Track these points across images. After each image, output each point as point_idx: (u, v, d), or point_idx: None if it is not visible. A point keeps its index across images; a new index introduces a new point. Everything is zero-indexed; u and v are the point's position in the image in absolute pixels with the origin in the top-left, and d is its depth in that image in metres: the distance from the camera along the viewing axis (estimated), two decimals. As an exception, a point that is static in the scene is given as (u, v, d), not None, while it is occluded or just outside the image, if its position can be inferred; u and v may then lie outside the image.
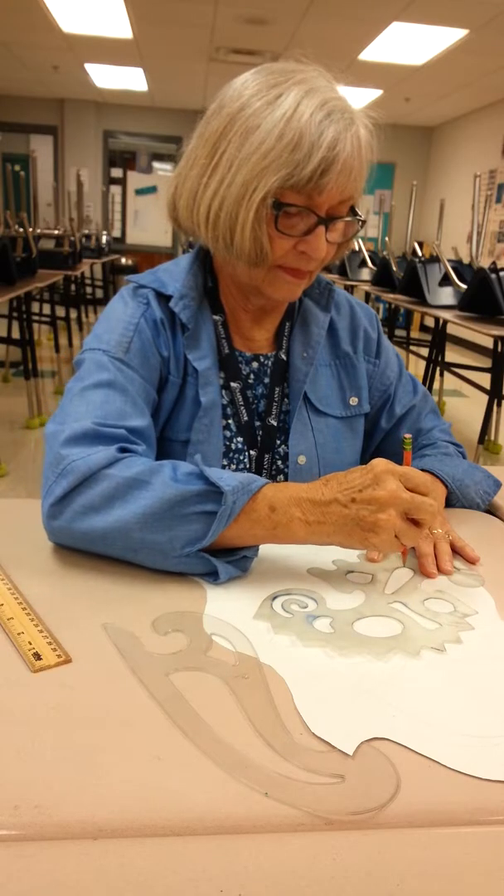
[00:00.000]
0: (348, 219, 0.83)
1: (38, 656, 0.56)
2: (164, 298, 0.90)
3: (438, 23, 5.45)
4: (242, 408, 0.93)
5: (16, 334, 4.70)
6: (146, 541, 0.69)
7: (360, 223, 0.86)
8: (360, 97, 8.14)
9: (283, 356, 0.96)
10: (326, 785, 0.45)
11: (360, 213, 0.85)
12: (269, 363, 0.96)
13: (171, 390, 0.90)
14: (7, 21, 6.19)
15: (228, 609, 0.65)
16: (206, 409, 0.90)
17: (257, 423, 0.95)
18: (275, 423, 0.95)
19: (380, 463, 0.70)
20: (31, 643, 0.57)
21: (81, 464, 0.71)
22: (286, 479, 0.94)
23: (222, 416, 0.92)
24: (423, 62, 6.53)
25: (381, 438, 1.04)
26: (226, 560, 0.71)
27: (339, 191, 0.79)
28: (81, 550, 0.74)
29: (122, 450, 0.75)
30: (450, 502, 0.92)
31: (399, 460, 1.00)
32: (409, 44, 6.01)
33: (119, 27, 6.12)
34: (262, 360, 0.96)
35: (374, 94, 7.96)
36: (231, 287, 0.94)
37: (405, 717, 0.52)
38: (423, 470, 0.89)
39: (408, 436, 0.77)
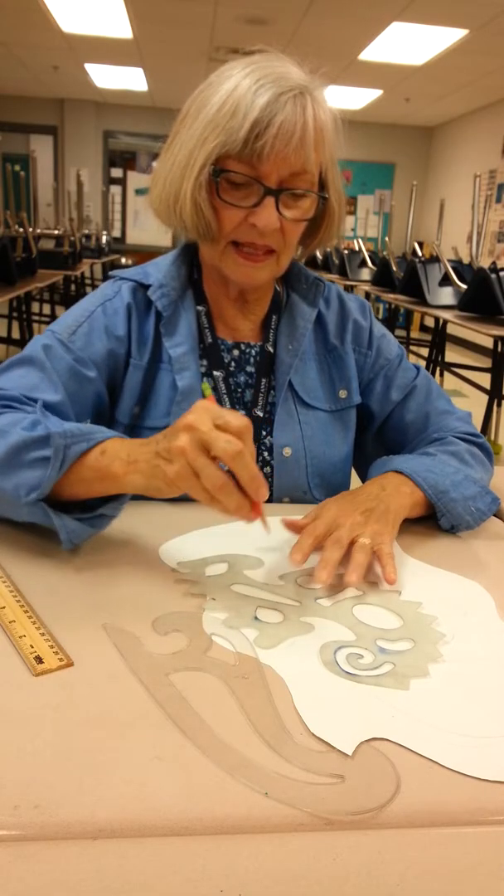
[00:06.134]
0: (300, 191, 0.82)
1: (39, 660, 0.56)
2: (144, 288, 0.93)
3: (438, 23, 5.45)
4: (225, 396, 0.94)
5: (16, 334, 4.70)
6: None
7: (322, 199, 0.86)
8: (360, 97, 8.14)
9: (270, 348, 0.97)
10: (326, 785, 0.45)
11: (327, 190, 0.85)
12: (253, 352, 0.97)
13: (135, 373, 0.92)
14: (7, 21, 6.19)
15: (227, 608, 0.65)
16: (185, 394, 0.91)
17: (242, 413, 0.94)
18: (261, 415, 0.95)
19: (199, 401, 0.65)
20: (32, 646, 0.57)
21: None
22: (272, 471, 0.95)
23: None
24: (423, 62, 6.53)
25: (379, 425, 1.02)
26: (80, 517, 0.71)
27: (283, 158, 0.78)
28: (82, 552, 0.74)
29: (5, 406, 0.78)
30: (434, 516, 0.85)
31: (398, 450, 1.00)
32: (409, 44, 6.02)
33: (119, 27, 6.12)
34: (243, 347, 0.97)
35: (374, 94, 7.96)
36: (213, 274, 0.95)
37: (405, 717, 0.52)
38: (397, 472, 0.84)
39: (205, 384, 0.72)
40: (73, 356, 0.87)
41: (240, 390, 0.96)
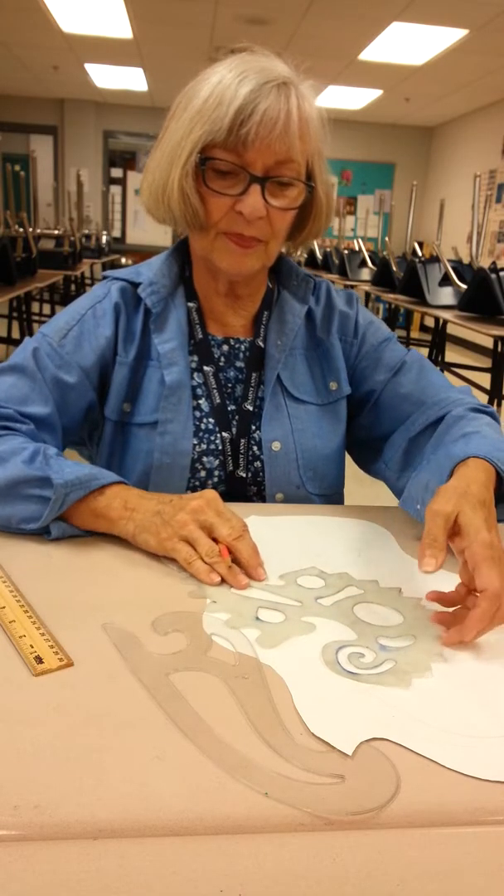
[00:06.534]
0: (285, 179, 0.83)
1: (39, 660, 0.56)
2: (135, 287, 0.95)
3: (438, 23, 5.45)
4: (215, 390, 0.95)
5: (16, 334, 4.71)
6: None
7: (309, 188, 0.86)
8: (359, 97, 8.14)
9: (261, 343, 0.98)
10: (326, 785, 0.45)
11: (314, 181, 0.86)
12: (242, 347, 0.98)
13: (121, 370, 0.93)
14: (7, 21, 6.19)
15: (228, 609, 0.65)
16: (173, 389, 0.92)
17: (232, 407, 0.96)
18: (251, 409, 0.96)
19: (209, 491, 0.75)
20: (32, 646, 0.57)
21: None
22: (262, 465, 0.95)
23: (193, 396, 0.94)
24: (423, 62, 6.53)
25: (373, 404, 1.00)
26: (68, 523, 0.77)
27: (268, 146, 0.80)
28: (82, 552, 0.75)
29: (2, 427, 0.82)
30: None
31: (396, 424, 0.99)
32: (409, 44, 6.01)
33: (119, 27, 6.12)
34: (232, 343, 0.98)
35: (373, 94, 7.96)
36: (203, 270, 0.95)
37: (405, 717, 0.52)
38: (476, 457, 0.75)
39: None
40: (58, 363, 0.89)
41: (230, 385, 0.96)
